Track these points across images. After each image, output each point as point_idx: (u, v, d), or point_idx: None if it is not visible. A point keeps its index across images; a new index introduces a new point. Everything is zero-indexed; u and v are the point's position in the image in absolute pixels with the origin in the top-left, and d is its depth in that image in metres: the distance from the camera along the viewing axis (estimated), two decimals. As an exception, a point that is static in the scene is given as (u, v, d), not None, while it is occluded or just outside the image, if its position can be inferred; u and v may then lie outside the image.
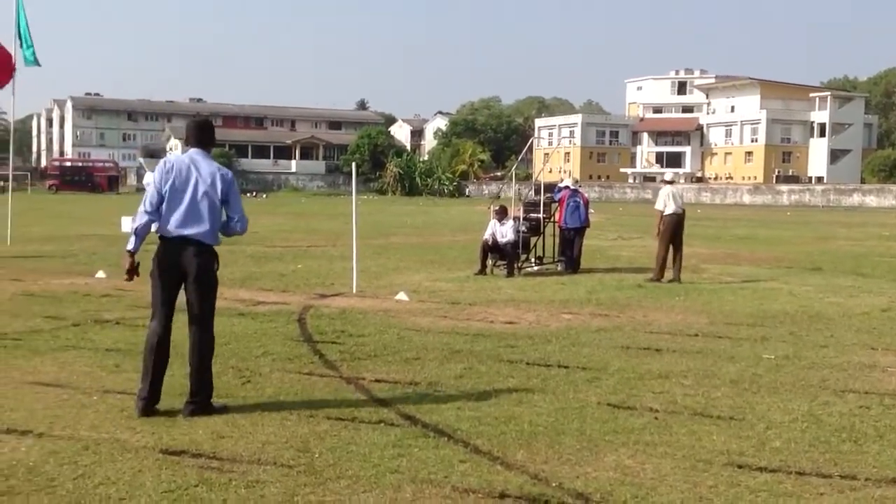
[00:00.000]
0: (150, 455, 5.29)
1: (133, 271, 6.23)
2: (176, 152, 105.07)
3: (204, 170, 6.22)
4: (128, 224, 6.13)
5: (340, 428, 5.92)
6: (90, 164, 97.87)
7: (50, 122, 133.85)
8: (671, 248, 15.41)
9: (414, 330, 9.97)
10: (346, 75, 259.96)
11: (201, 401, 6.21)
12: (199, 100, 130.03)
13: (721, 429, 6.13)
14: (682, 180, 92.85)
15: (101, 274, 14.56)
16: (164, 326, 6.24)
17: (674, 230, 15.46)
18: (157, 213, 6.16)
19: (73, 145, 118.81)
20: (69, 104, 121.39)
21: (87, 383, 7.04)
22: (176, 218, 6.13)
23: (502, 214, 16.49)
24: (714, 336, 9.89)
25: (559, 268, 17.14)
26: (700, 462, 5.41)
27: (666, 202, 15.51)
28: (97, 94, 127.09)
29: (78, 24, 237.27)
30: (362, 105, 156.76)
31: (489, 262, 16.36)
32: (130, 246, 6.17)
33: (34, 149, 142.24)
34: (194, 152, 6.33)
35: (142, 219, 6.16)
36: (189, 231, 6.12)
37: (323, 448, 5.48)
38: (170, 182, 6.15)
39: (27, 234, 23.97)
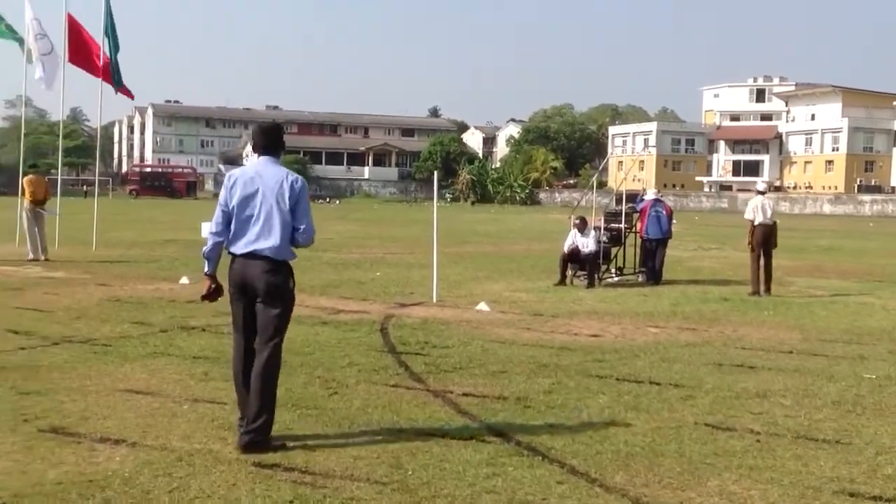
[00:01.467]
0: (244, 468, 5.24)
1: (214, 293, 5.92)
2: (253, 157, 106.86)
3: (270, 179, 5.76)
4: (207, 229, 6.22)
5: (432, 444, 5.81)
6: (169, 169, 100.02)
7: (131, 128, 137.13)
8: (759, 260, 15.05)
9: (498, 342, 9.84)
10: (420, 83, 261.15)
11: (260, 430, 5.62)
12: (276, 107, 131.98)
13: (828, 453, 5.86)
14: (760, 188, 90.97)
15: (184, 280, 14.73)
16: (245, 352, 5.81)
17: (764, 241, 15.08)
18: (225, 232, 5.77)
19: (154, 151, 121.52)
20: (150, 111, 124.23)
21: (177, 391, 7.05)
22: (244, 234, 5.73)
23: (583, 224, 16.25)
24: (809, 353, 9.55)
25: (640, 279, 16.84)
26: (809, 489, 5.16)
27: (755, 213, 15.16)
28: (177, 102, 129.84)
29: (158, 32, 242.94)
30: (435, 112, 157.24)
31: (569, 272, 16.14)
32: (207, 269, 5.89)
33: (116, 155, 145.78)
34: (262, 161, 5.90)
35: (210, 241, 5.81)
36: (257, 246, 5.69)
37: (415, 465, 5.37)
38: (235, 197, 5.75)
39: (111, 239, 24.47)
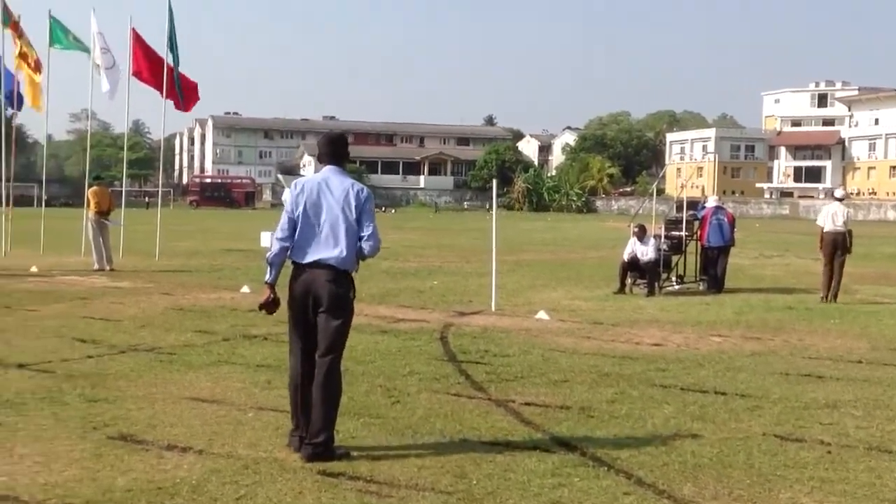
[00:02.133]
0: (309, 476, 5.26)
1: (272, 304, 5.86)
2: (310, 168, 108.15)
3: (337, 189, 5.76)
4: (267, 239, 6.22)
5: (495, 453, 5.78)
6: (228, 180, 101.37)
7: (192, 140, 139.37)
8: (829, 266, 14.84)
9: (558, 351, 9.77)
10: (475, 91, 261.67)
11: (323, 442, 5.58)
12: (332, 117, 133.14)
13: (902, 466, 5.70)
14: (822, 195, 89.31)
15: (245, 289, 14.89)
16: (303, 363, 5.77)
17: (832, 248, 14.84)
18: (290, 239, 5.76)
19: (213, 162, 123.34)
20: (210, 123, 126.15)
21: (242, 399, 7.12)
22: (309, 242, 5.71)
23: (642, 232, 16.10)
24: (879, 363, 9.33)
25: (702, 287, 16.62)
26: (884, 502, 5.03)
27: (825, 219, 14.97)
28: (236, 114, 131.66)
29: (218, 45, 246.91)
30: (490, 121, 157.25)
31: (628, 280, 16.00)
32: (268, 277, 5.81)
33: (177, 166, 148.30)
34: (327, 170, 5.89)
35: (275, 247, 5.77)
36: (322, 256, 5.67)
37: (480, 475, 5.34)
38: (301, 205, 5.74)
39: (173, 249, 24.86)
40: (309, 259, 5.70)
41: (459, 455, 5.73)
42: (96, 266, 18.57)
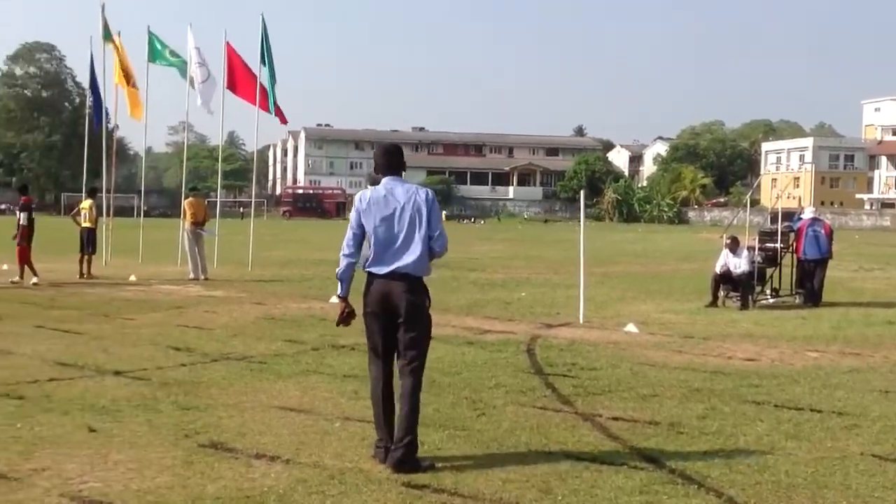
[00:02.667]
0: (394, 488, 5.27)
1: (347, 316, 5.94)
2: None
3: (403, 196, 5.84)
4: None
5: (581, 469, 5.70)
6: (320, 191, 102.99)
7: (285, 151, 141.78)
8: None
9: (648, 365, 9.61)
10: (564, 102, 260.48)
11: (407, 449, 5.64)
12: (422, 128, 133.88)
13: None
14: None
15: (335, 299, 15.01)
16: (383, 374, 5.87)
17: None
18: (357, 253, 5.85)
19: (306, 173, 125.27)
20: (302, 135, 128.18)
21: (329, 409, 7.18)
22: (381, 254, 5.78)
23: (735, 244, 15.76)
24: None
25: (798, 301, 16.17)
26: None
27: None
28: (327, 125, 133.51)
29: (309, 58, 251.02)
30: (580, 131, 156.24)
31: (721, 293, 15.66)
32: (340, 292, 5.93)
33: (270, 177, 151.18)
34: (388, 180, 5.94)
35: (343, 262, 5.86)
36: (398, 264, 5.74)
37: (565, 490, 5.27)
38: (369, 217, 5.82)
39: (266, 259, 25.34)
40: (386, 269, 5.77)
41: (545, 469, 5.67)
42: (191, 275, 19.02)
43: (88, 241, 19.39)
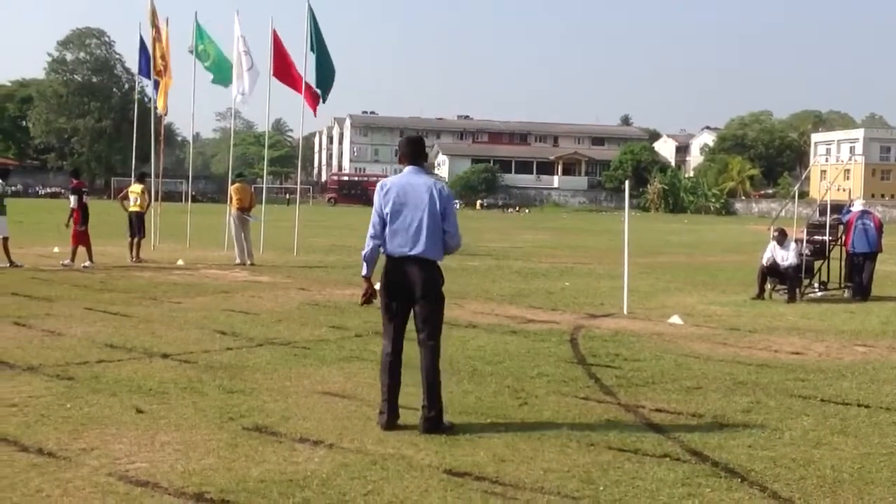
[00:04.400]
0: (435, 475, 5.29)
1: (370, 295, 6.48)
2: (444, 167, 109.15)
3: (421, 188, 6.29)
4: None
5: (623, 460, 5.68)
6: (365, 178, 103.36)
7: (330, 139, 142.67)
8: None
9: (692, 356, 9.54)
10: (611, 91, 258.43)
11: (434, 417, 6.19)
12: (467, 117, 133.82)
13: None
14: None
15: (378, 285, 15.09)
16: (394, 346, 6.36)
17: None
18: (381, 235, 6.31)
19: (351, 160, 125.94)
20: (348, 122, 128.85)
21: (372, 395, 7.22)
22: (399, 237, 6.25)
23: (782, 236, 15.55)
24: None
25: (846, 294, 15.92)
26: None
27: None
28: (373, 113, 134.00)
29: (356, 46, 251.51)
30: (626, 121, 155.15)
31: (768, 286, 15.48)
32: (364, 272, 6.45)
33: (316, 164, 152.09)
34: (410, 170, 6.42)
35: (368, 245, 6.36)
36: (413, 250, 6.21)
37: (607, 481, 5.26)
38: (390, 203, 6.28)
39: (311, 245, 25.52)
40: (401, 252, 6.25)
41: (586, 460, 5.66)
42: (237, 260, 19.22)
43: (138, 226, 19.70)
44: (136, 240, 19.65)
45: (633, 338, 10.71)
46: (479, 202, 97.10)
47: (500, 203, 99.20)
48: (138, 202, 20.12)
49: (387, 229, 6.28)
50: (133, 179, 21.93)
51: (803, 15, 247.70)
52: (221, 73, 23.92)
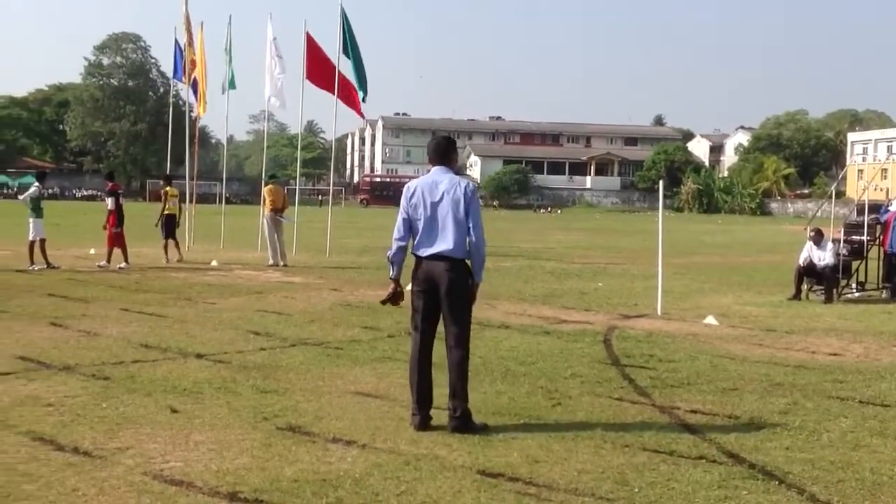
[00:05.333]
0: (468, 475, 5.27)
1: (396, 297, 6.52)
2: (476, 168, 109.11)
3: (446, 186, 6.33)
4: None
5: (658, 461, 5.62)
6: (397, 179, 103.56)
7: (363, 140, 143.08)
8: None
9: (728, 357, 9.44)
10: (644, 91, 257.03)
11: (462, 416, 6.20)
12: (498, 118, 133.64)
13: None
14: None
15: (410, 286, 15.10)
16: (423, 346, 6.37)
17: None
18: (407, 237, 6.38)
19: (383, 162, 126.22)
20: (380, 123, 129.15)
21: (405, 396, 7.18)
22: (426, 237, 6.29)
23: (819, 236, 15.37)
24: None
25: (884, 295, 15.69)
26: None
27: None
28: (405, 114, 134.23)
29: (388, 48, 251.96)
30: (659, 121, 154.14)
31: (804, 286, 15.30)
32: (392, 273, 6.47)
33: (348, 165, 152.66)
34: (436, 170, 6.46)
35: (394, 247, 6.40)
36: (440, 248, 6.24)
37: (642, 482, 5.20)
38: (415, 204, 6.33)
39: (344, 246, 25.60)
40: (429, 252, 6.28)
41: (621, 461, 5.61)
42: (271, 261, 19.32)
43: (173, 227, 19.96)
44: (171, 241, 19.89)
45: (668, 338, 10.62)
46: (493, 203, 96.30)
47: (541, 204, 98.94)
48: (175, 204, 20.39)
49: (412, 229, 6.35)
50: (164, 182, 22.05)
51: (839, 13, 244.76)
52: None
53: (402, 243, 6.38)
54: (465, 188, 6.34)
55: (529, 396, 7.37)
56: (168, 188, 20.69)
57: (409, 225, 6.36)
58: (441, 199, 6.29)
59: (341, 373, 8.15)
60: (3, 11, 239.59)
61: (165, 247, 19.82)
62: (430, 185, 6.36)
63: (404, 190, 6.48)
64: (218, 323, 10.99)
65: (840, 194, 70.98)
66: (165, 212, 20.09)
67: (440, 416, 6.32)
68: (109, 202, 18.36)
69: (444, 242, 6.24)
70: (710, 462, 5.63)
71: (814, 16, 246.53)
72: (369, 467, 5.36)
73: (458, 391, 6.25)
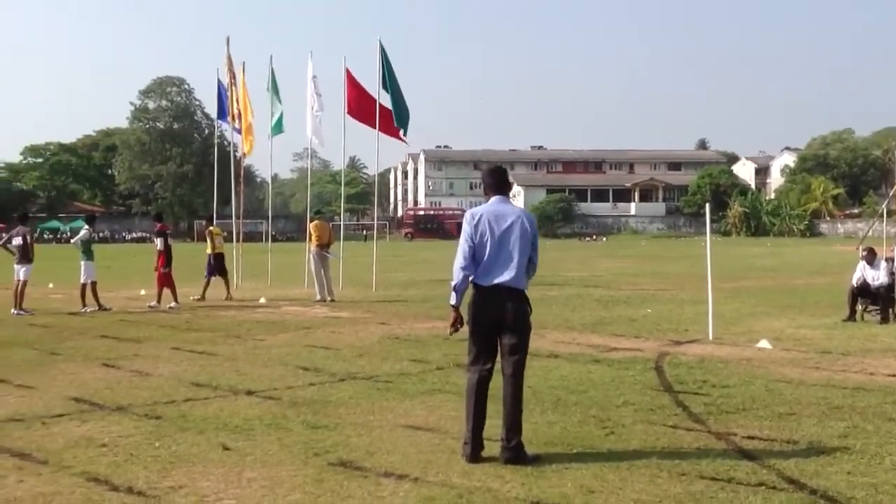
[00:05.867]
0: (522, 507, 5.20)
1: (458, 324, 6.39)
2: (520, 198, 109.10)
3: (511, 216, 6.28)
4: None
5: (717, 489, 5.50)
6: (441, 212, 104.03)
7: (405, 174, 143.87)
8: None
9: (783, 382, 9.26)
10: (686, 115, 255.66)
11: (516, 447, 6.11)
12: (540, 147, 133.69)
13: None
14: None
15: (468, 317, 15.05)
16: (481, 376, 6.29)
17: None
18: (472, 266, 6.24)
19: (426, 195, 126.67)
20: (422, 157, 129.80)
21: (455, 428, 7.14)
22: (490, 267, 6.20)
23: (871, 255, 15.09)
24: None
25: (942, 313, 15.32)
26: None
27: None
28: (446, 147, 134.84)
29: (428, 81, 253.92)
30: (703, 144, 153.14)
31: (859, 307, 15.00)
32: (453, 301, 6.34)
33: (391, 200, 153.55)
34: (497, 199, 6.41)
35: (459, 275, 6.26)
36: (503, 279, 6.17)
37: (701, 511, 5.09)
38: (482, 232, 6.24)
39: (389, 280, 25.65)
40: (491, 282, 6.21)
41: (678, 490, 5.50)
42: (318, 297, 19.40)
43: (223, 265, 20.19)
44: (224, 280, 20.12)
45: (721, 364, 10.45)
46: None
47: (585, 232, 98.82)
48: (220, 243, 20.59)
49: (481, 258, 6.24)
50: (206, 223, 22.24)
51: (879, 31, 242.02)
52: (277, 124, 24.84)
53: (468, 272, 6.24)
54: (530, 220, 6.36)
55: (581, 426, 7.28)
56: (212, 227, 20.93)
57: (474, 253, 6.24)
58: (509, 228, 6.23)
59: (391, 406, 8.12)
60: (50, 62, 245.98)
61: (206, 285, 19.99)
62: (495, 214, 6.29)
63: (467, 217, 6.39)
64: (267, 359, 11.03)
65: (891, 213, 69.81)
66: (216, 251, 20.28)
67: (490, 447, 6.26)
68: (158, 242, 18.64)
69: (509, 273, 6.18)
70: (770, 489, 5.50)
71: (854, 34, 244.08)
72: (422, 501, 5.31)
73: (513, 422, 6.17)
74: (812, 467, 5.98)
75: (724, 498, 5.33)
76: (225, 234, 21.13)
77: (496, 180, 6.50)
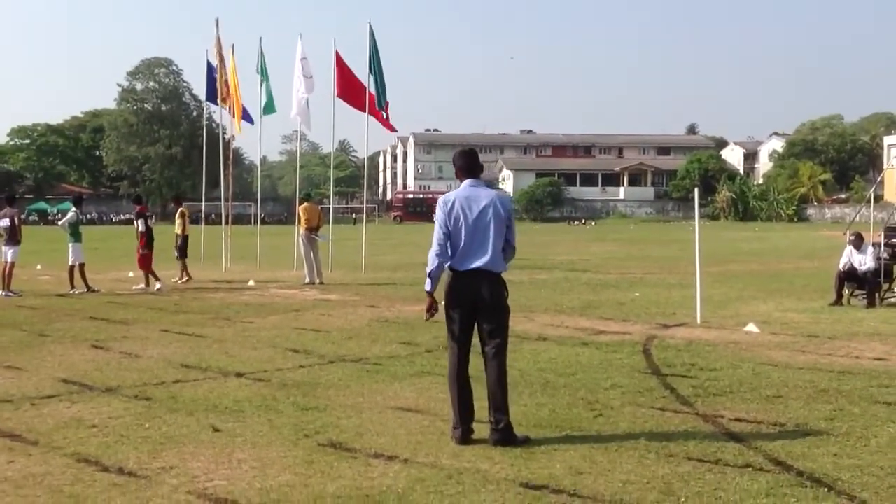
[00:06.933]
0: (512, 488, 5.23)
1: (433, 309, 6.31)
2: (509, 182, 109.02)
3: (484, 199, 6.26)
4: None
5: (704, 470, 5.55)
6: (430, 195, 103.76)
7: (395, 157, 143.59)
8: None
9: (770, 365, 9.32)
10: (676, 100, 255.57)
11: (504, 429, 6.13)
12: (530, 131, 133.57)
13: None
14: None
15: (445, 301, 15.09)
16: (461, 360, 6.31)
17: None
18: (446, 252, 6.22)
19: (415, 178, 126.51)
20: (411, 140, 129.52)
21: (445, 410, 7.17)
22: (465, 251, 6.20)
23: (859, 240, 15.17)
24: None
25: (928, 298, 15.43)
26: None
27: None
28: (436, 130, 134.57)
29: (418, 64, 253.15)
30: (692, 129, 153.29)
31: (846, 291, 15.10)
32: (428, 287, 6.26)
33: (380, 183, 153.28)
34: (469, 183, 6.38)
35: (434, 262, 6.22)
36: (479, 262, 6.17)
37: (688, 492, 5.14)
38: (455, 218, 6.22)
39: (378, 263, 25.66)
40: (467, 266, 6.21)
41: (666, 471, 5.55)
42: (307, 280, 19.40)
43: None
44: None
45: (709, 347, 10.51)
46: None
47: (574, 216, 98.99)
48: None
49: (451, 243, 6.24)
50: (175, 203, 22.19)
51: (869, 15, 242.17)
52: (269, 104, 24.71)
53: (442, 258, 6.21)
54: (505, 201, 6.34)
55: (570, 408, 7.32)
56: (182, 208, 20.93)
57: (448, 239, 6.22)
58: (482, 212, 6.21)
59: (381, 388, 8.15)
60: (37, 42, 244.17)
61: (184, 265, 20.00)
62: (468, 198, 6.28)
63: (440, 203, 6.36)
64: (256, 342, 11.04)
65: (878, 198, 70.10)
66: (185, 232, 20.28)
67: (481, 429, 6.29)
68: (141, 224, 18.58)
69: (485, 256, 6.17)
70: (756, 470, 5.55)
71: (844, 19, 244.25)
72: (412, 482, 5.34)
73: (500, 403, 6.19)
74: (798, 449, 6.04)
75: (712, 479, 5.38)
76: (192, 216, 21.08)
77: (467, 163, 6.45)
